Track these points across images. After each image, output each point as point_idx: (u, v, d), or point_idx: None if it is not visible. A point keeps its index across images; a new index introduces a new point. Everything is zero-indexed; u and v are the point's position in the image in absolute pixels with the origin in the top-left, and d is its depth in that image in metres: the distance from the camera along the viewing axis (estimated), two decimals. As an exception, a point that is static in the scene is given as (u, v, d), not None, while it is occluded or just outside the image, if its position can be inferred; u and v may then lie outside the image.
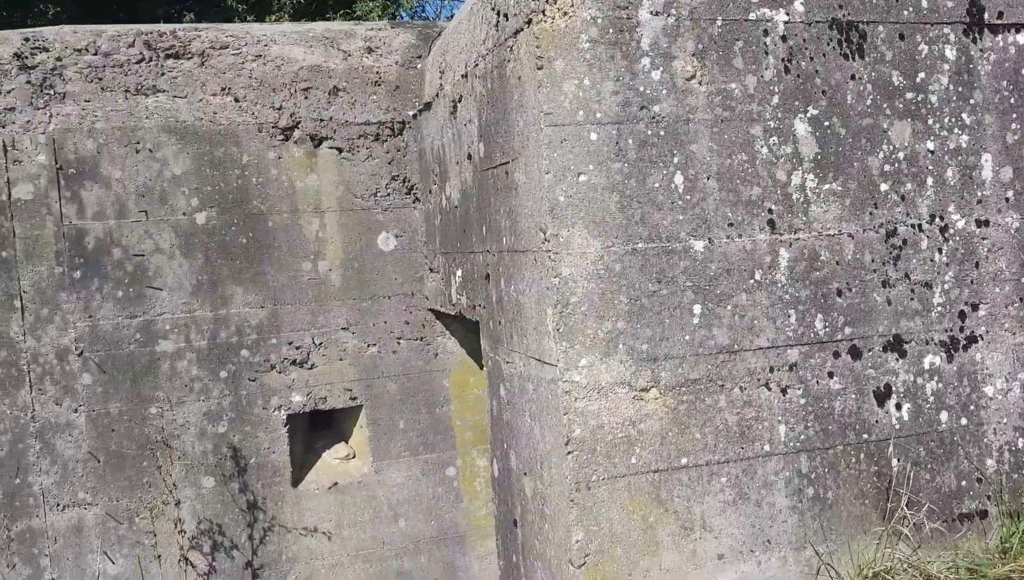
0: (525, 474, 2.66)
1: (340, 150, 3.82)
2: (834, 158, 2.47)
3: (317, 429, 4.09)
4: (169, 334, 3.62)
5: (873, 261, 2.51)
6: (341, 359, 3.85)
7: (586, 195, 2.28)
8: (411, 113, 3.86)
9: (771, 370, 2.44)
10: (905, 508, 2.49)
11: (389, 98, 3.88)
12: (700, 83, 2.38)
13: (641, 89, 2.32)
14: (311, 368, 3.81)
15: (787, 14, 2.42)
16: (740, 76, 2.42)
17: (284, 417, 3.77)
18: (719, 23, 2.37)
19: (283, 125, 3.72)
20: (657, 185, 2.35)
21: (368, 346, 3.89)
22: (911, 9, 2.53)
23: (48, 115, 3.46)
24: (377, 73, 3.86)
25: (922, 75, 2.55)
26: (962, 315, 2.60)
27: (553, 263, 2.27)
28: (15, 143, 3.43)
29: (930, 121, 2.56)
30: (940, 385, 2.58)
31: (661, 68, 2.34)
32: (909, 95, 2.54)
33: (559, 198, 2.26)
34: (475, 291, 3.07)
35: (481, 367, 4.00)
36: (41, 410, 3.50)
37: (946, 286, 2.58)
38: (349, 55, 3.85)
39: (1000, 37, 2.63)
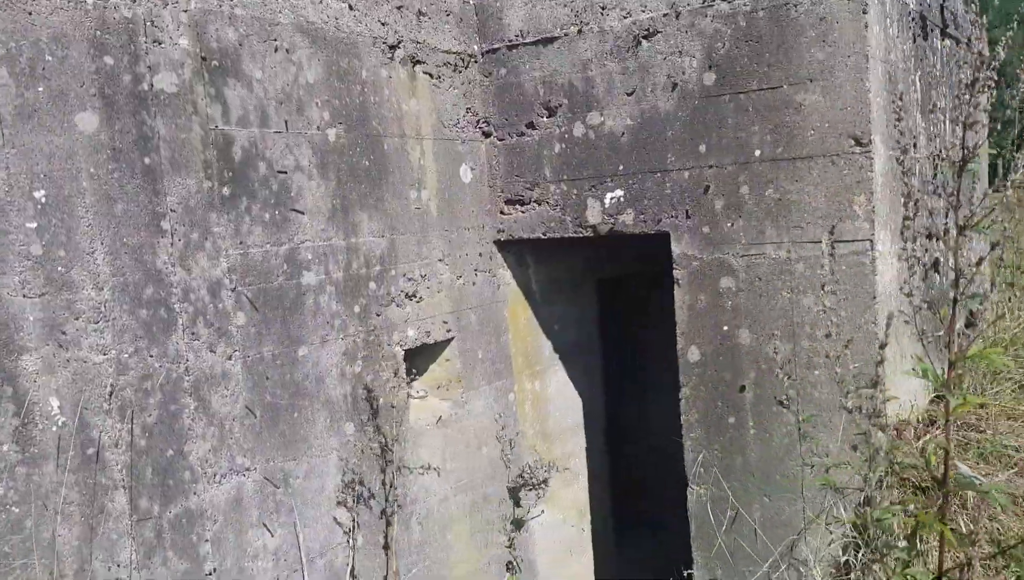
0: (774, 342, 3.35)
1: (431, 76, 3.78)
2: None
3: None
4: (311, 265, 3.22)
5: None
6: (439, 292, 3.82)
7: (880, 111, 3.13)
8: (486, 48, 4.01)
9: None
10: None
11: (457, 29, 3.96)
12: (902, 43, 3.40)
13: (887, 38, 3.25)
14: (419, 301, 3.71)
15: None
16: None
17: (403, 352, 3.62)
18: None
19: (391, 42, 3.56)
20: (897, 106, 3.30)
21: (457, 278, 3.92)
22: None
23: (187, -9, 2.83)
24: (446, 2, 3.91)
25: None
26: None
27: (868, 161, 3.06)
28: (154, 19, 2.73)
29: None
30: None
31: (894, 28, 3.30)
32: None
33: (873, 113, 3.06)
34: (661, 205, 3.56)
35: (526, 297, 4.35)
36: (195, 360, 2.83)
37: None
38: (418, -20, 3.83)
39: None
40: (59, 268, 2.51)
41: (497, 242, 4.13)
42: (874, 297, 3.11)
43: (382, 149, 3.53)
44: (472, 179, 4.02)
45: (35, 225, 2.47)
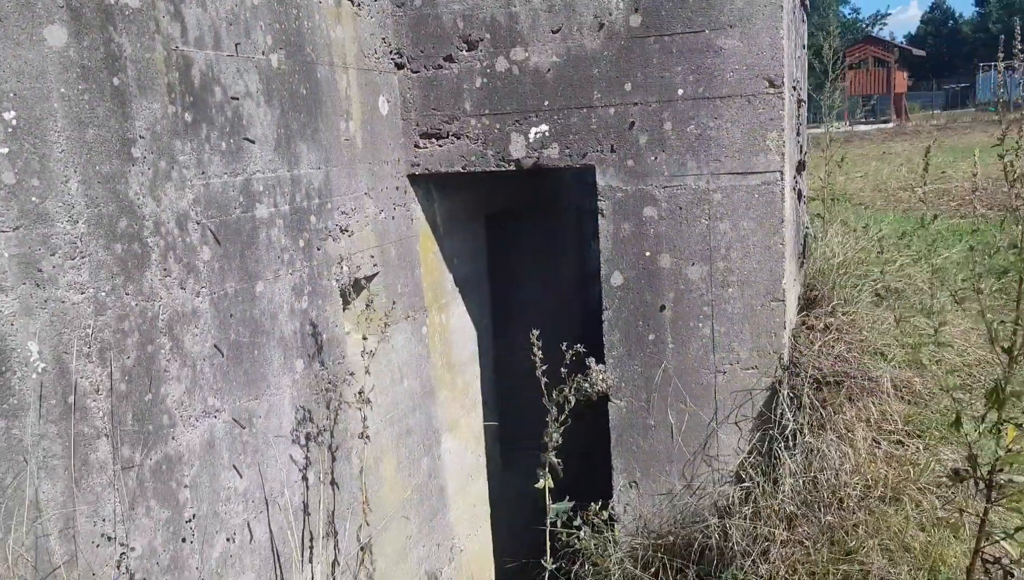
0: (692, 264, 3.77)
1: (352, 2, 3.73)
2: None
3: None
4: (263, 197, 3.12)
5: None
6: (366, 226, 3.83)
7: (787, 57, 3.59)
8: (397, -24, 3.99)
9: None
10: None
11: (370, -44, 3.91)
12: (786, -5, 3.88)
13: (785, -7, 3.70)
14: (351, 235, 3.70)
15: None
16: (785, -6, 4.00)
17: (339, 287, 3.62)
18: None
19: (320, -35, 3.47)
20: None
21: (380, 212, 3.94)
22: None
23: None
24: (359, -73, 3.85)
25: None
26: None
27: (780, 101, 3.53)
28: (111, -76, 2.49)
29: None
30: None
31: (785, -19, 3.76)
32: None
33: (783, 57, 3.51)
34: (586, 140, 3.82)
35: (432, 231, 4.49)
36: (168, 297, 2.68)
37: None
38: (333, -100, 3.73)
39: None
40: (33, 198, 2.30)
41: (411, 176, 4.19)
42: (782, 221, 3.62)
43: (316, 77, 3.46)
44: (388, 112, 4.03)
45: (6, 150, 2.24)
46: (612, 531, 3.83)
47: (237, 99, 3.00)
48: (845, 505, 2.83)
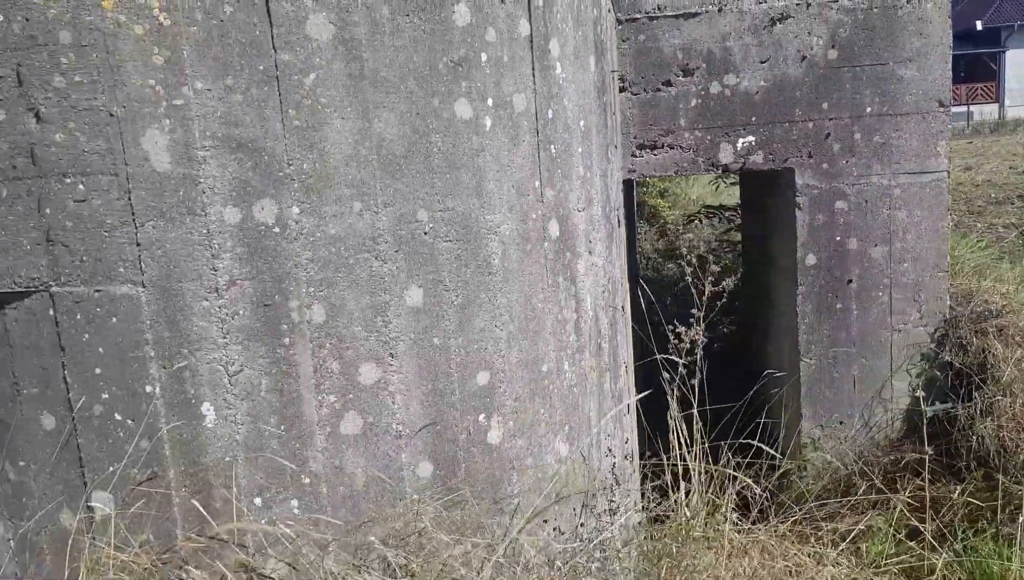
0: (875, 246, 5.02)
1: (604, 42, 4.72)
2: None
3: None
4: (598, 194, 4.05)
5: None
6: (620, 220, 4.80)
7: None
8: (624, 18, 5.01)
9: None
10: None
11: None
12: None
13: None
14: (620, 225, 4.66)
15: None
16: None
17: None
18: (917, 8, 5.30)
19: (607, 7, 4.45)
20: (930, 84, 5.16)
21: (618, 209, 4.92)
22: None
23: (594, -45, 3.52)
24: (602, -26, 4.85)
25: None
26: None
27: (947, 117, 4.87)
28: (594, -21, 3.41)
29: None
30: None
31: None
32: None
33: (950, 84, 4.87)
34: (787, 148, 5.00)
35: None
36: (616, 266, 3.57)
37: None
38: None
39: None
40: (587, 187, 3.18)
41: (625, 181, 5.19)
42: (947, 209, 4.95)
43: (603, 101, 4.43)
44: (619, 125, 5.03)
45: (580, 149, 3.12)
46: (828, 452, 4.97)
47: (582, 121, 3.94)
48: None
